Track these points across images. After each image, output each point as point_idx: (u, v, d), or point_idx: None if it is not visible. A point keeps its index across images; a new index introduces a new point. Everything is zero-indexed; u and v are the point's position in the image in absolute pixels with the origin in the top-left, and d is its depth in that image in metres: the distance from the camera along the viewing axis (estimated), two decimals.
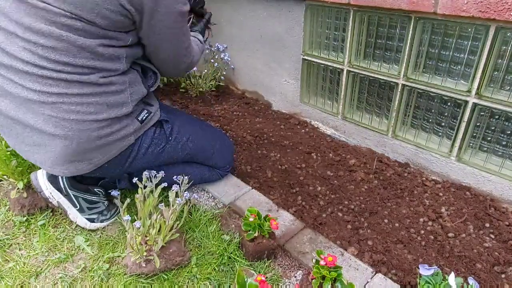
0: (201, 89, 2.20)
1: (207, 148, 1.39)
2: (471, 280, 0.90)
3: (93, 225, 1.29)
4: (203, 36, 1.49)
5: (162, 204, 1.11)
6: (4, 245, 1.23)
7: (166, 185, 1.14)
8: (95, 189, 1.28)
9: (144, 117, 1.17)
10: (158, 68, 1.24)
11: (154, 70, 1.23)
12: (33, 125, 1.03)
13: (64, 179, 1.24)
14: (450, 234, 1.28)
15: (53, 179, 1.24)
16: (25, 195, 1.32)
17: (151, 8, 1.02)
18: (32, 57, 0.96)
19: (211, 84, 2.25)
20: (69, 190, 1.24)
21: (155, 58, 1.19)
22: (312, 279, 1.00)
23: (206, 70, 2.15)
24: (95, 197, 1.29)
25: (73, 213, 1.27)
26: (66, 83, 0.99)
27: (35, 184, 1.25)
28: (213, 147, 1.41)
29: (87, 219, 1.28)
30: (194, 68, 2.16)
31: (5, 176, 1.43)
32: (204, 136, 1.39)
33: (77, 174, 1.14)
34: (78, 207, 1.26)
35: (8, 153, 1.37)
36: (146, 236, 1.11)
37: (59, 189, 1.24)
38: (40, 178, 1.24)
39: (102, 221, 1.30)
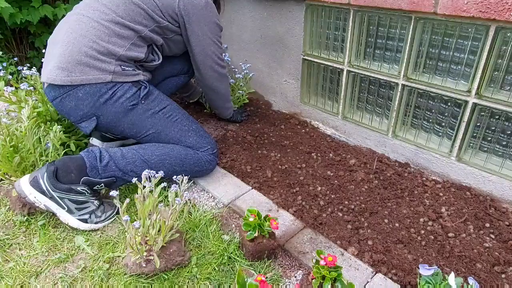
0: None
1: (182, 125, 1.49)
2: (471, 280, 0.90)
3: (87, 226, 1.28)
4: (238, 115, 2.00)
5: (161, 204, 1.11)
6: (4, 245, 1.23)
7: (165, 185, 1.14)
8: (78, 188, 1.27)
9: (127, 69, 1.40)
10: (201, 63, 1.61)
11: (160, 58, 1.55)
12: (59, 39, 1.38)
13: (46, 181, 1.24)
14: (450, 234, 1.28)
15: (34, 183, 1.24)
16: None
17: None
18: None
19: None
20: (52, 192, 1.24)
21: (198, 55, 1.59)
22: (312, 279, 1.00)
23: None
24: (81, 197, 1.28)
25: (63, 215, 1.27)
26: (99, 14, 1.37)
27: (18, 191, 1.25)
28: (188, 126, 1.50)
29: (79, 220, 1.27)
30: None
31: (6, 175, 1.43)
32: (179, 114, 1.50)
33: (55, 83, 1.33)
34: (66, 208, 1.26)
35: (12, 149, 1.37)
36: (146, 236, 1.11)
37: (42, 191, 1.24)
38: (23, 184, 1.25)
39: (96, 223, 1.29)
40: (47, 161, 1.46)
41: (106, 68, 1.35)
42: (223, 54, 1.68)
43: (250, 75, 2.08)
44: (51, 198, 1.24)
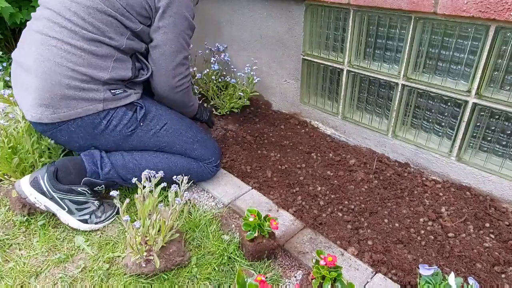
0: (201, 90, 2.21)
1: (186, 138, 1.42)
2: (471, 280, 0.90)
3: (87, 227, 1.28)
4: (205, 116, 1.74)
5: (161, 204, 1.11)
6: (4, 245, 1.23)
7: (165, 185, 1.14)
8: (79, 189, 1.26)
9: (117, 92, 1.28)
10: (155, 65, 1.36)
11: (148, 66, 1.38)
12: (29, 66, 1.22)
13: (46, 181, 1.23)
14: (450, 234, 1.28)
15: (35, 183, 1.23)
16: None
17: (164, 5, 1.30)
18: (60, 8, 1.22)
19: (212, 85, 2.24)
20: (52, 193, 1.23)
21: (156, 51, 1.34)
22: (312, 279, 1.00)
23: (207, 70, 2.15)
24: (81, 197, 1.27)
25: (63, 216, 1.27)
26: (67, 32, 1.21)
27: (18, 191, 1.25)
28: (193, 138, 1.44)
29: (79, 220, 1.27)
30: (195, 69, 2.16)
31: (6, 176, 1.43)
32: (182, 126, 1.43)
33: (42, 122, 1.22)
34: (67, 209, 1.26)
35: (10, 151, 1.37)
36: (146, 236, 1.11)
37: (42, 192, 1.24)
38: (23, 185, 1.25)
39: (96, 223, 1.29)
40: (46, 162, 1.46)
41: (95, 97, 1.23)
42: (189, 59, 1.44)
43: (256, 80, 2.06)
44: (52, 199, 1.24)
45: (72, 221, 1.26)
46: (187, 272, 1.14)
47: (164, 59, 1.34)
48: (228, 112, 2.08)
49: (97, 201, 1.31)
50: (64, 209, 1.26)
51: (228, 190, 1.47)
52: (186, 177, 1.15)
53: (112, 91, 1.27)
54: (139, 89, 1.39)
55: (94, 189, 1.31)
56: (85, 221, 1.27)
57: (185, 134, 1.42)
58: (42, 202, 1.24)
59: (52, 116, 1.21)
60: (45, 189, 1.23)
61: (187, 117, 1.53)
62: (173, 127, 1.40)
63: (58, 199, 1.24)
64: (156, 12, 1.30)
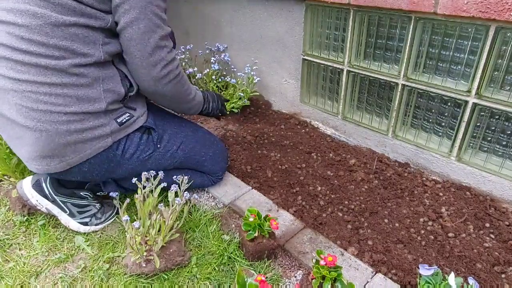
0: (201, 90, 2.20)
1: (199, 156, 1.36)
2: (471, 280, 0.90)
3: (87, 229, 1.27)
4: (212, 104, 1.49)
5: (162, 204, 1.11)
6: (4, 245, 1.23)
7: (165, 185, 1.14)
8: (81, 193, 1.26)
9: (125, 120, 1.12)
10: (127, 55, 1.08)
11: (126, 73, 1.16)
12: (9, 117, 1.02)
13: (48, 185, 1.22)
14: (450, 234, 1.28)
15: (37, 186, 1.22)
16: None
17: None
18: (10, 39, 0.96)
19: (212, 85, 2.25)
20: (54, 196, 1.22)
21: (123, 38, 1.05)
22: (312, 279, 1.00)
23: (207, 70, 2.15)
24: (83, 201, 1.27)
25: (64, 218, 1.26)
26: (36, 70, 0.97)
27: (20, 193, 1.24)
28: (205, 155, 1.38)
29: (79, 223, 1.26)
30: (195, 69, 2.16)
31: (5, 176, 1.43)
32: (196, 143, 1.35)
33: (50, 172, 1.09)
34: (68, 212, 1.25)
35: (8, 151, 1.37)
36: (146, 236, 1.11)
37: (45, 195, 1.22)
38: (25, 186, 1.23)
39: (96, 225, 1.29)
40: None
41: (102, 133, 1.08)
42: (170, 41, 1.14)
43: (256, 80, 2.07)
44: (53, 202, 1.24)
45: (72, 224, 1.26)
46: (187, 272, 1.14)
47: (134, 45, 1.04)
48: (228, 112, 2.07)
49: (98, 204, 1.31)
50: (65, 212, 1.25)
51: (228, 190, 1.47)
52: (186, 177, 1.15)
53: (117, 120, 1.10)
54: (143, 105, 1.22)
55: (97, 194, 1.31)
56: (85, 224, 1.27)
57: (199, 152, 1.35)
58: (43, 204, 1.24)
59: (61, 165, 1.08)
60: (47, 192, 1.22)
61: (200, 128, 1.42)
62: (189, 146, 1.31)
63: (60, 202, 1.24)
64: None
